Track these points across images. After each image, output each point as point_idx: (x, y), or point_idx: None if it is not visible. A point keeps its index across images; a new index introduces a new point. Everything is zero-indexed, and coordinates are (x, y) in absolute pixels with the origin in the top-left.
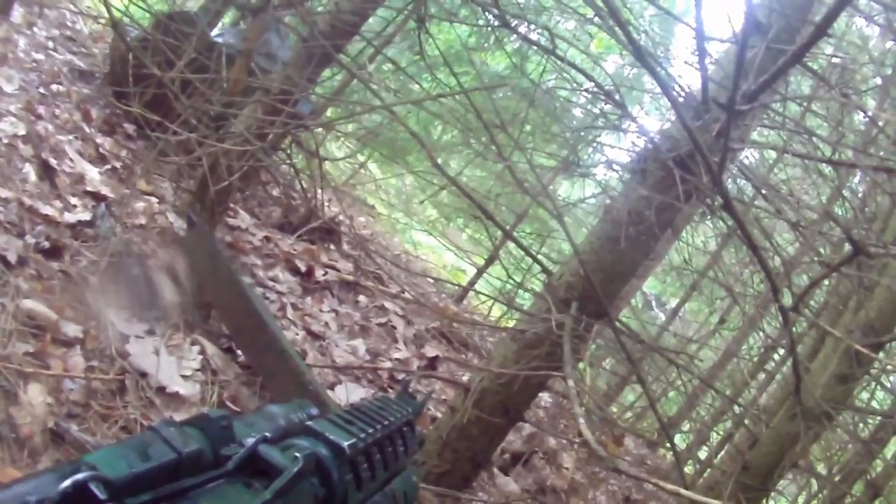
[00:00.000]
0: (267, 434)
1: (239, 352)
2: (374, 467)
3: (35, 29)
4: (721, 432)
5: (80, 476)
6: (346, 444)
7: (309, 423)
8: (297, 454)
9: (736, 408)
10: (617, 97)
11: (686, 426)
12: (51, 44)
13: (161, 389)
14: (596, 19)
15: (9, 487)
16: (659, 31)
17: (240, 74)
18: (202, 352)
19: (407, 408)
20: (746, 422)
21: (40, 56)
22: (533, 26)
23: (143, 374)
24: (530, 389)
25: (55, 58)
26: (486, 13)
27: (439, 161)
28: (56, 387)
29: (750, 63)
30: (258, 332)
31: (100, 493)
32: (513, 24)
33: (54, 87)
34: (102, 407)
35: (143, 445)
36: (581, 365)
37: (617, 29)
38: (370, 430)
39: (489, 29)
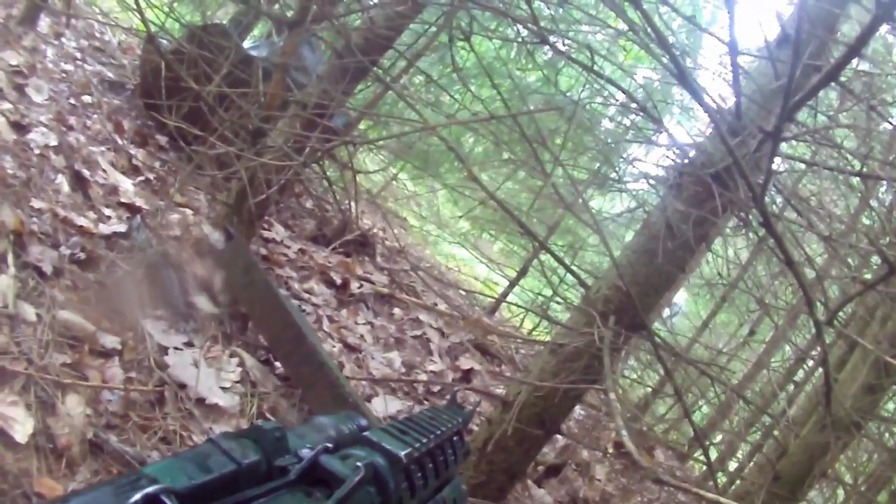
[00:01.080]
0: (328, 444)
1: (277, 363)
2: (426, 476)
3: (63, 39)
4: (751, 443)
5: (150, 489)
6: (402, 453)
7: (365, 433)
8: (358, 463)
9: (765, 419)
10: (653, 112)
11: (717, 437)
12: (79, 54)
13: (200, 401)
14: (630, 34)
15: (69, 501)
16: (687, 40)
17: (277, 89)
18: (241, 363)
19: (457, 418)
20: (776, 432)
21: (69, 67)
22: (569, 41)
23: (182, 386)
24: (567, 402)
25: (84, 68)
26: (518, 26)
27: (465, 174)
28: (94, 398)
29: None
30: (297, 344)
31: None
32: (550, 39)
33: (85, 97)
34: (141, 418)
35: (203, 457)
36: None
37: (657, 48)
38: (423, 440)
39: (526, 44)
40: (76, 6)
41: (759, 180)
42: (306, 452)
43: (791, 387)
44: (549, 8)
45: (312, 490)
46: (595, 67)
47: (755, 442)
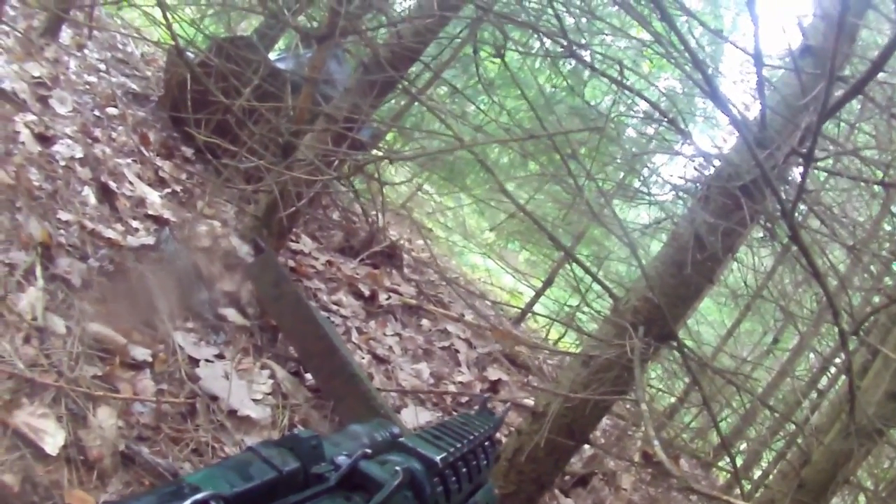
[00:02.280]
0: (367, 450)
1: (308, 375)
2: (460, 480)
3: (85, 51)
4: (774, 450)
5: (199, 496)
6: (437, 458)
7: (401, 439)
8: (397, 468)
9: (789, 426)
10: (680, 124)
11: (741, 446)
12: (102, 66)
13: (232, 413)
14: (655, 45)
15: None
16: (708, 48)
17: (306, 102)
18: (272, 375)
19: (488, 423)
20: (799, 440)
21: (93, 78)
22: (596, 53)
23: (214, 398)
24: (597, 413)
25: (108, 80)
26: (543, 38)
27: (495, 185)
28: (126, 410)
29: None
30: (328, 356)
31: None
32: (580, 54)
33: (109, 109)
34: (173, 430)
35: (244, 465)
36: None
37: (683, 60)
38: (457, 445)
39: (555, 57)
40: (98, 18)
41: (783, 189)
42: (342, 460)
43: (814, 394)
44: (572, 17)
45: (352, 495)
46: (627, 83)
47: (779, 450)
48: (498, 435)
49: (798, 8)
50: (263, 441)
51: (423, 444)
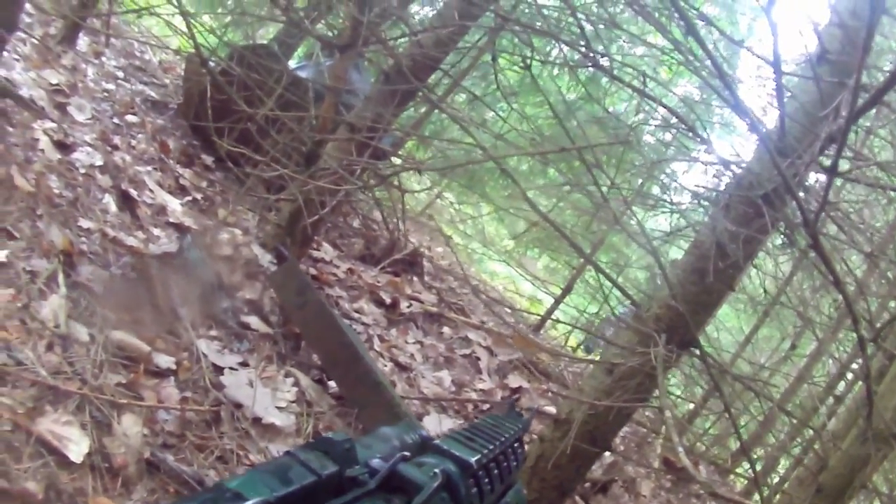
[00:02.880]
0: (405, 453)
1: (331, 383)
2: (493, 481)
3: (103, 58)
4: (792, 456)
5: (250, 503)
6: (472, 459)
7: (435, 441)
8: (435, 470)
9: (806, 432)
10: (701, 133)
11: (760, 451)
12: (120, 73)
13: (256, 420)
14: (675, 53)
15: None
16: (725, 53)
17: (329, 112)
18: (296, 383)
19: (517, 424)
20: (816, 446)
21: (111, 86)
22: (616, 61)
23: (238, 406)
24: (619, 420)
25: (126, 88)
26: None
27: (514, 192)
28: (150, 417)
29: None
30: (352, 364)
31: None
32: (602, 62)
33: (128, 117)
34: (198, 437)
35: (283, 470)
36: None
37: (702, 67)
38: (490, 447)
39: (577, 67)
40: (115, 25)
41: (800, 194)
42: (377, 462)
43: (831, 400)
44: (591, 25)
45: (391, 497)
46: (651, 93)
47: (796, 455)
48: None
49: (813, 12)
50: (299, 445)
51: (457, 445)
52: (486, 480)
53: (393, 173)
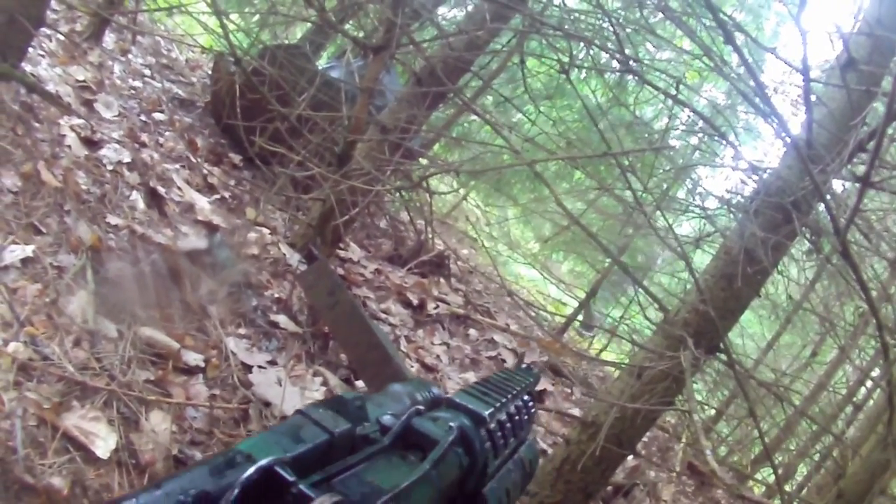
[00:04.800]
0: (420, 407)
1: (359, 382)
2: (506, 436)
3: (129, 56)
4: (811, 461)
5: (263, 463)
6: (485, 413)
7: (449, 395)
8: (451, 424)
9: (825, 439)
10: (731, 139)
11: (780, 458)
12: (147, 71)
13: (284, 419)
14: (705, 60)
15: (161, 485)
16: (750, 57)
17: (362, 113)
18: (324, 382)
19: (528, 378)
20: (835, 452)
21: (138, 83)
22: (651, 69)
23: (267, 404)
24: (645, 424)
25: (153, 85)
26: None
27: (541, 195)
28: (179, 414)
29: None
30: (382, 364)
31: (288, 476)
32: (636, 68)
33: (156, 114)
34: (226, 435)
35: (294, 429)
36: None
37: (732, 74)
38: (503, 400)
39: (613, 73)
40: (141, 23)
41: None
42: (388, 419)
43: (850, 407)
44: (621, 30)
45: (406, 454)
46: (682, 98)
47: (815, 461)
48: (545, 445)
49: (839, 19)
50: (312, 403)
51: (470, 399)
52: (500, 434)
53: (427, 176)
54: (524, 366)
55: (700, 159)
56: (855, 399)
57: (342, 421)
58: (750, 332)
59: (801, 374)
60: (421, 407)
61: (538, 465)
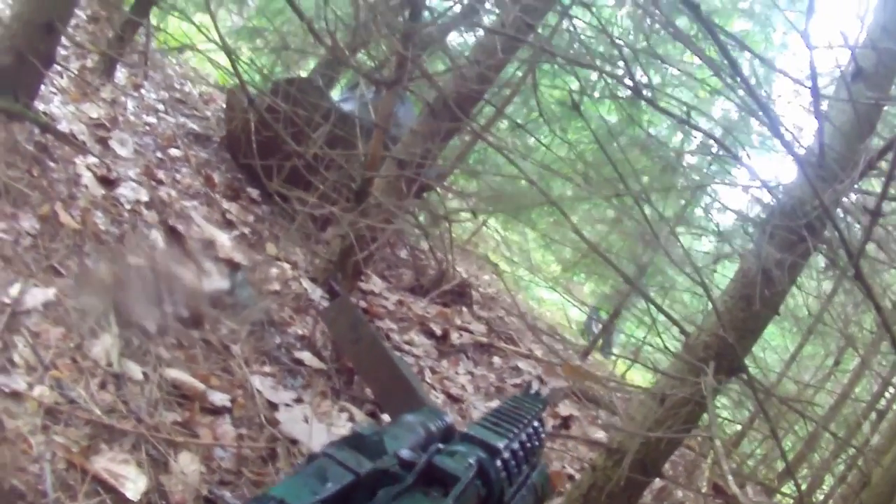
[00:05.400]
0: (440, 445)
1: (385, 416)
2: (519, 464)
3: (142, 91)
4: (835, 474)
5: None
6: (500, 445)
7: (465, 429)
8: (471, 461)
9: (849, 449)
10: (744, 159)
11: (804, 471)
12: (161, 106)
13: (312, 457)
14: (713, 79)
15: None
16: (760, 71)
17: (377, 149)
18: (350, 418)
19: (537, 404)
20: (860, 463)
21: (152, 119)
22: (663, 94)
23: (294, 441)
24: (670, 447)
25: (167, 121)
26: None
27: (559, 219)
28: (207, 455)
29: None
30: (406, 397)
31: None
32: (646, 94)
33: (171, 150)
34: (254, 474)
35: (321, 471)
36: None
37: (743, 93)
38: (515, 430)
39: (616, 98)
40: (152, 58)
41: (843, 218)
42: (406, 454)
43: (873, 416)
44: (628, 48)
45: (429, 490)
46: (694, 123)
47: (840, 473)
48: (571, 470)
49: (845, 27)
50: (333, 442)
51: (485, 432)
52: (513, 463)
53: (448, 214)
54: (532, 391)
55: (716, 172)
56: (878, 407)
57: (365, 461)
58: (773, 344)
59: (825, 385)
60: (441, 445)
61: (549, 488)
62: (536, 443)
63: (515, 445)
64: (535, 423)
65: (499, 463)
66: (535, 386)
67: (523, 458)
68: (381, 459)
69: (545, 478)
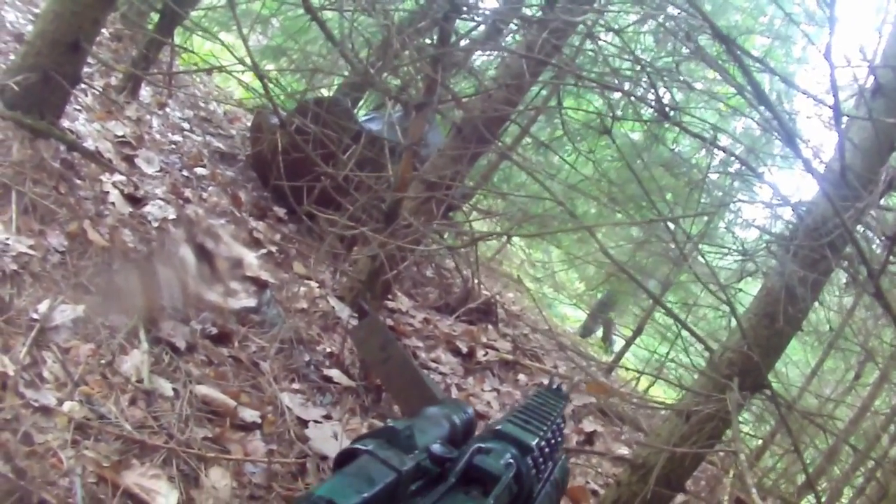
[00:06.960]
0: (481, 445)
1: None
2: (546, 460)
3: (167, 109)
4: (854, 486)
5: None
6: (532, 443)
7: (497, 426)
8: (510, 461)
9: (869, 462)
10: (767, 178)
11: (825, 484)
12: (186, 125)
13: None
14: (737, 98)
15: None
16: (781, 86)
17: (407, 170)
18: None
19: (560, 400)
20: (878, 475)
21: (177, 137)
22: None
23: (324, 458)
24: (694, 463)
25: (193, 139)
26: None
27: (584, 236)
28: (238, 470)
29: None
30: None
31: None
32: (674, 117)
33: (197, 169)
34: (284, 489)
35: (365, 470)
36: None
37: (760, 109)
38: (544, 428)
39: (650, 121)
40: (177, 76)
41: (864, 236)
42: (437, 448)
43: (893, 428)
44: (652, 68)
45: (469, 489)
46: (720, 144)
47: (859, 486)
48: (596, 485)
49: (865, 43)
50: (364, 434)
51: (517, 430)
52: (542, 461)
53: (477, 240)
54: (555, 386)
55: (738, 188)
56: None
57: (405, 458)
58: (795, 359)
59: (846, 398)
60: (482, 445)
61: (568, 481)
62: (559, 438)
63: (543, 443)
64: (559, 420)
65: (530, 461)
66: (556, 381)
67: (549, 455)
68: (414, 455)
69: (565, 472)
